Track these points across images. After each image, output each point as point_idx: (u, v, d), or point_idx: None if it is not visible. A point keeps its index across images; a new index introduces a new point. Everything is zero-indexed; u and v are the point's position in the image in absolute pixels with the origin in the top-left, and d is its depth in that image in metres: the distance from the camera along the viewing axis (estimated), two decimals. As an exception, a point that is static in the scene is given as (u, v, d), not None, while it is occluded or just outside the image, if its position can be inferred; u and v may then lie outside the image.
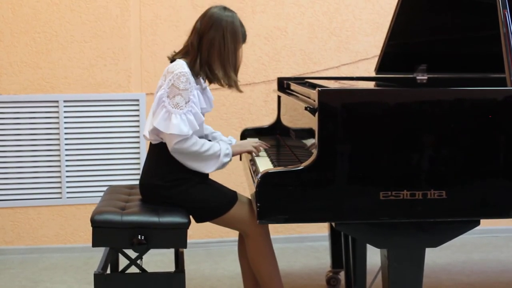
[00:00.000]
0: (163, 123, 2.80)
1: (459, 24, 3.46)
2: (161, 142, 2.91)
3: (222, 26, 2.88)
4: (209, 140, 3.01)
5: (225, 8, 2.95)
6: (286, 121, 3.50)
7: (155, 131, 2.89)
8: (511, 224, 4.84)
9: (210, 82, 2.95)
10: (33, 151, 4.36)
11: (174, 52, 3.00)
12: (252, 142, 3.15)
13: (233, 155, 2.97)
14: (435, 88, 2.61)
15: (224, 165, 2.92)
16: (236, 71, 2.95)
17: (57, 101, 4.33)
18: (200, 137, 2.94)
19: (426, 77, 3.48)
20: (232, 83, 2.94)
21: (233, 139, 3.23)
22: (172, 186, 2.88)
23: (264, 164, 2.89)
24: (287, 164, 2.67)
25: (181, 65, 2.85)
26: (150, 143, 2.98)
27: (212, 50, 2.88)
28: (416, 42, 3.60)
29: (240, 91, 3.01)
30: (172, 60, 2.94)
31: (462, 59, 3.52)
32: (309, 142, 2.67)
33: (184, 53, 2.95)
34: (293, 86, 3.34)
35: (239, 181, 4.39)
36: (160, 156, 2.92)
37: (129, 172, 4.45)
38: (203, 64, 2.89)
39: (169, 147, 2.83)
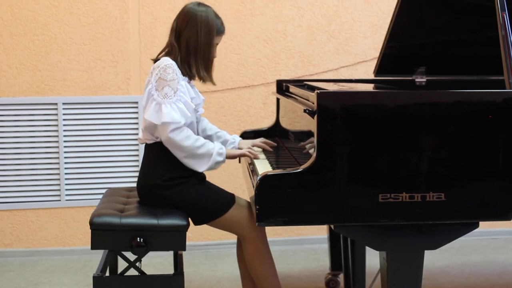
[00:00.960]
0: (155, 115, 2.82)
1: (458, 26, 3.46)
2: (156, 142, 2.92)
3: (197, 21, 2.91)
4: (213, 141, 3.01)
5: (199, 4, 2.98)
6: (285, 123, 3.50)
7: (149, 129, 2.90)
8: (510, 226, 4.84)
9: (190, 78, 2.95)
10: (32, 153, 4.36)
11: (153, 59, 3.01)
12: (256, 142, 3.15)
13: (228, 157, 2.95)
14: (434, 90, 2.61)
15: (216, 164, 2.90)
16: (208, 65, 2.96)
17: (56, 104, 4.33)
18: (204, 136, 2.95)
19: (425, 80, 3.48)
20: (204, 78, 2.95)
21: (237, 138, 3.24)
22: (169, 186, 2.87)
23: (263, 167, 2.90)
24: (286, 166, 2.67)
25: (165, 59, 2.89)
26: (146, 144, 2.98)
27: (189, 46, 2.91)
28: (415, 44, 3.60)
29: (214, 84, 3.03)
30: (156, 61, 2.96)
31: (461, 61, 3.52)
32: (308, 144, 2.67)
33: (166, 53, 2.98)
34: (292, 89, 3.34)
35: (238, 183, 4.40)
36: (156, 155, 2.93)
37: (128, 174, 4.45)
38: (183, 62, 2.91)
39: (163, 138, 2.84)
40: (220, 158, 2.90)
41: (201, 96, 3.08)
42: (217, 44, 2.98)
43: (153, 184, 2.90)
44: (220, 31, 2.97)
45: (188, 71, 2.92)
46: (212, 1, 4.33)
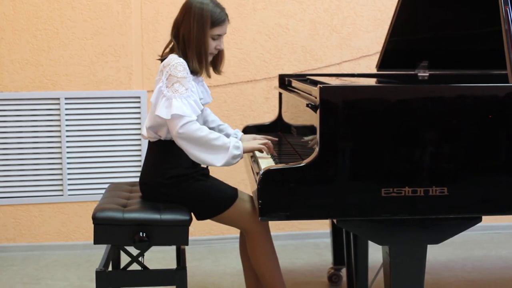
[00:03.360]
0: (165, 111, 2.76)
1: (460, 20, 3.45)
2: (160, 140, 2.91)
3: (191, 14, 2.88)
4: None
5: None
6: (287, 118, 3.49)
7: (153, 128, 2.89)
8: (513, 221, 4.85)
9: (193, 73, 2.92)
10: (35, 148, 4.36)
11: (160, 56, 2.99)
12: (257, 137, 3.08)
13: (244, 151, 2.85)
14: (436, 84, 2.61)
15: (234, 158, 2.79)
16: (200, 57, 2.89)
17: (58, 98, 4.34)
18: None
19: (427, 74, 3.48)
20: (196, 70, 2.90)
21: (239, 133, 3.21)
22: (172, 183, 2.87)
23: (266, 161, 2.89)
24: (288, 161, 2.67)
25: (175, 57, 2.86)
26: (149, 141, 2.97)
27: (185, 40, 2.89)
28: (417, 38, 3.60)
29: (209, 76, 2.99)
30: (162, 59, 2.93)
31: (463, 55, 3.51)
32: (311, 139, 2.66)
33: (171, 49, 2.96)
34: (295, 83, 3.34)
35: (240, 178, 4.40)
36: (159, 153, 2.92)
37: (130, 169, 4.46)
38: (183, 56, 2.89)
39: (174, 134, 2.77)
40: (237, 152, 2.79)
41: (208, 90, 3.07)
42: (219, 35, 2.91)
43: (155, 182, 2.89)
44: (218, 22, 2.89)
45: (190, 66, 2.90)
46: (214, -5, 4.33)
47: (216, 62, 3.03)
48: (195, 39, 2.87)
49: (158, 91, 2.82)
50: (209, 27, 2.88)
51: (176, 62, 2.82)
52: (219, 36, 2.93)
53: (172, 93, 2.77)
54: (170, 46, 2.98)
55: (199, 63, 2.89)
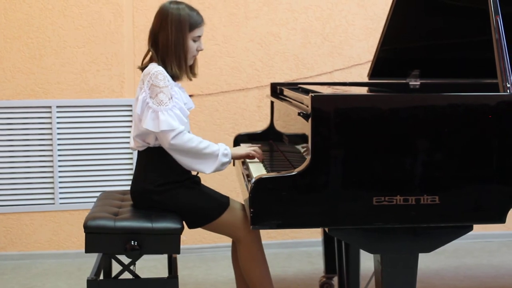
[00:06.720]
0: (152, 123, 2.79)
1: (452, 29, 3.47)
2: (148, 148, 2.90)
3: (167, 20, 2.88)
4: None
5: (171, 2, 2.93)
6: (279, 126, 3.50)
7: (140, 136, 2.89)
8: (504, 229, 4.84)
9: (174, 79, 2.92)
10: (26, 156, 4.35)
11: (140, 66, 3.00)
12: (247, 146, 3.12)
13: (233, 157, 2.93)
14: (428, 93, 2.62)
15: (223, 165, 2.87)
16: (180, 62, 2.90)
17: (50, 107, 4.33)
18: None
19: (419, 83, 3.49)
20: (176, 75, 2.90)
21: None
22: (163, 191, 2.87)
23: (258, 170, 2.89)
24: (280, 169, 2.67)
25: (154, 65, 2.87)
26: (138, 151, 2.97)
27: (163, 46, 2.89)
28: (409, 47, 3.61)
29: (190, 79, 2.98)
30: (143, 68, 2.94)
31: (455, 64, 3.53)
32: (302, 147, 2.67)
33: (150, 59, 2.96)
34: (286, 92, 3.35)
35: (232, 186, 4.39)
36: (148, 161, 2.91)
37: (122, 177, 4.45)
38: (162, 63, 2.89)
39: (166, 146, 2.80)
40: (226, 159, 2.87)
41: (189, 98, 3.07)
42: (199, 36, 2.93)
43: (146, 190, 2.89)
44: (196, 24, 2.91)
45: (169, 72, 2.89)
46: (207, 4, 4.34)
47: (191, 65, 3.04)
48: (174, 44, 2.88)
49: (142, 102, 2.83)
50: (188, 30, 2.90)
51: (156, 71, 2.83)
52: (199, 37, 2.95)
53: (157, 106, 2.78)
54: (149, 56, 2.97)
55: (178, 67, 2.90)
